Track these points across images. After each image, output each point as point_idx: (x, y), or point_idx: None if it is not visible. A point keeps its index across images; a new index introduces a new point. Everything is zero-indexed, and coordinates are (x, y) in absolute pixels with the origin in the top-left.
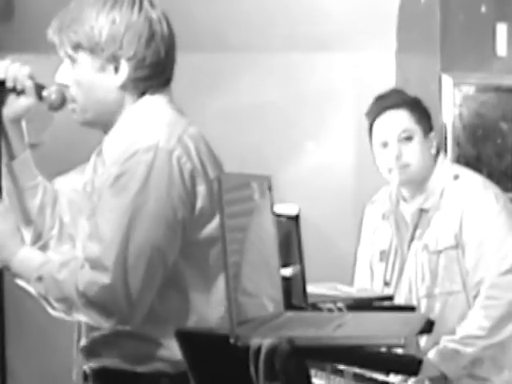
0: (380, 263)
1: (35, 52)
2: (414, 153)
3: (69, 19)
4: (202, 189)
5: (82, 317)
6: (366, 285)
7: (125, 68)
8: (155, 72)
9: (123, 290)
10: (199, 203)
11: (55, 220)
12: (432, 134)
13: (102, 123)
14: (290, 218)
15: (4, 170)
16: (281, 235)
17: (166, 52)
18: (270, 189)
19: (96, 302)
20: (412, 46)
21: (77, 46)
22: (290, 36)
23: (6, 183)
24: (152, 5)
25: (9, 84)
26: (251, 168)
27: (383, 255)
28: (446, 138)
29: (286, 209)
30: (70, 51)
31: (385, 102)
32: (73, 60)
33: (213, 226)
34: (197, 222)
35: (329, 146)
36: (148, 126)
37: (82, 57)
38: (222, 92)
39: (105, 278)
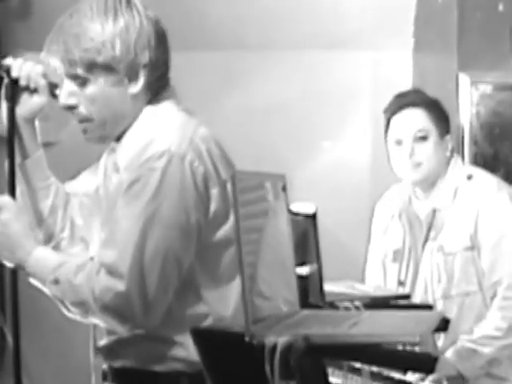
0: (393, 263)
1: None
2: (427, 152)
3: (72, 38)
4: (215, 191)
5: (97, 321)
6: (378, 284)
7: (142, 75)
8: (165, 71)
9: (139, 297)
10: (213, 206)
11: (66, 221)
12: (448, 137)
13: (115, 135)
14: (307, 216)
15: (18, 170)
16: (298, 234)
17: (167, 51)
18: (284, 188)
19: (112, 308)
20: (429, 44)
21: (91, 65)
22: (308, 34)
23: (19, 183)
24: (145, 8)
25: (22, 82)
26: (268, 166)
27: (397, 255)
28: (463, 137)
29: (303, 207)
30: (83, 72)
31: (403, 100)
32: (84, 79)
33: (227, 228)
34: (211, 225)
35: (346, 144)
36: (159, 131)
37: (96, 74)
38: (239, 90)
39: (120, 285)
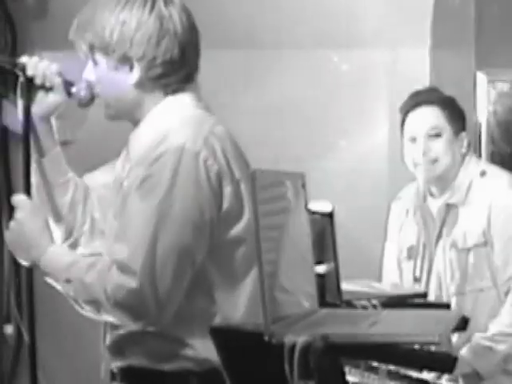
0: (408, 260)
1: (69, 50)
2: (441, 149)
3: (83, 20)
4: (228, 190)
5: (111, 318)
6: (394, 282)
7: (136, 68)
8: (169, 70)
9: (151, 294)
10: (226, 204)
11: (86, 216)
12: (463, 134)
13: (126, 118)
14: (324, 215)
15: (34, 167)
16: (315, 232)
17: (181, 49)
18: (303, 186)
19: (124, 305)
20: (447, 42)
21: (91, 47)
22: (325, 32)
23: (35, 180)
24: (167, 1)
25: (38, 81)
26: (284, 165)
27: (411, 252)
28: (480, 136)
29: (319, 206)
30: (87, 51)
31: (417, 98)
32: (92, 59)
33: (240, 227)
34: (224, 223)
35: (363, 143)
36: (174, 126)
37: (98, 56)
38: (255, 89)
39: (132, 282)
